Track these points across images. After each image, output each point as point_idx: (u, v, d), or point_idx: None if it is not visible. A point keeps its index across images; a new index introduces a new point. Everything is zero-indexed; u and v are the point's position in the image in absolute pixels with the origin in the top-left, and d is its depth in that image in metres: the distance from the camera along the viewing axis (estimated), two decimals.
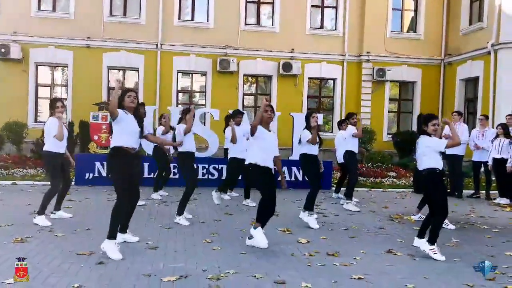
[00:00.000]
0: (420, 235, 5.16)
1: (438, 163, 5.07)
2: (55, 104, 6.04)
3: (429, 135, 5.10)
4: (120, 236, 4.98)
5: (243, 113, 8.60)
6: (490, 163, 9.43)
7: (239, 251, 4.82)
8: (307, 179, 7.31)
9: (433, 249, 4.85)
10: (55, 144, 6.01)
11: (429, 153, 5.05)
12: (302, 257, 4.71)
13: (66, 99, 16.01)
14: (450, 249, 5.25)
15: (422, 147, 5.10)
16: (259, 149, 5.14)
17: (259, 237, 5.01)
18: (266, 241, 4.97)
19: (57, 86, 16.52)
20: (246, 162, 5.23)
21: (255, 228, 5.08)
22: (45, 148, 6.10)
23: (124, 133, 4.67)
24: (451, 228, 6.45)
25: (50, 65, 16.13)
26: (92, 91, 15.15)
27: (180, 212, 6.21)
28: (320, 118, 11.80)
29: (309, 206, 6.53)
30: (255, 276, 3.99)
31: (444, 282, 4.05)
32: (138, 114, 4.95)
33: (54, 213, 6.28)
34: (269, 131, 5.30)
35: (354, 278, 4.02)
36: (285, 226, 6.14)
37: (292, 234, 5.81)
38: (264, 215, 5.12)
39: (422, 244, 5.03)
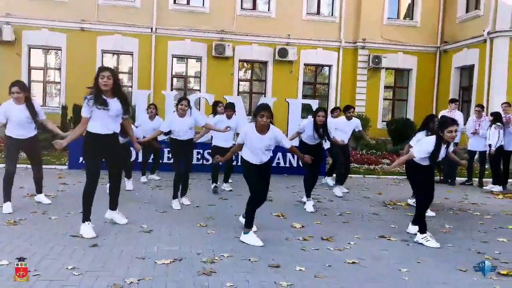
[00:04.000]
0: (414, 222, 5.20)
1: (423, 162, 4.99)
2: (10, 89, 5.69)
3: (440, 138, 4.85)
4: (109, 214, 5.14)
5: (234, 109, 7.95)
6: (493, 148, 9.35)
7: (233, 235, 4.83)
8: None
9: (425, 237, 4.86)
10: (8, 127, 5.77)
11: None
12: (296, 241, 4.72)
13: (59, 83, 15.90)
14: (443, 235, 5.30)
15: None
16: (247, 150, 4.87)
17: (252, 241, 4.57)
18: (261, 242, 4.53)
19: (50, 69, 16.35)
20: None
21: (245, 233, 4.66)
22: None
23: (94, 119, 4.63)
24: (431, 215, 6.30)
25: (43, 48, 15.91)
26: (86, 75, 14.84)
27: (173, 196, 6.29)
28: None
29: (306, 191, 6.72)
30: (249, 259, 4.00)
31: (437, 267, 4.09)
32: (120, 95, 4.76)
33: (36, 195, 6.19)
34: (265, 133, 4.74)
35: (348, 263, 4.05)
36: (279, 211, 6.15)
37: (286, 219, 5.82)
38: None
39: (415, 231, 5.11)
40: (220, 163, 6.26)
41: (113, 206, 5.17)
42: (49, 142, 11.94)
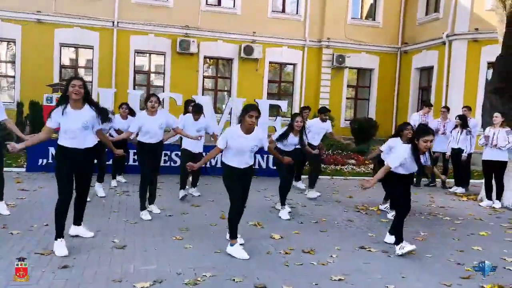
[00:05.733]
0: (392, 231, 5.19)
1: (399, 170, 4.95)
2: None
3: (415, 146, 4.81)
4: (74, 230, 4.80)
5: (202, 109, 7.58)
6: (448, 153, 9.70)
7: (212, 249, 4.62)
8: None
9: (401, 246, 4.81)
10: None
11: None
12: (278, 255, 4.59)
13: (13, 77, 15.01)
14: (420, 243, 5.29)
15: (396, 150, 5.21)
16: (231, 154, 4.68)
17: (238, 254, 4.46)
18: (246, 255, 4.43)
19: (2, 63, 15.42)
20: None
21: (231, 245, 4.55)
22: None
23: (63, 133, 4.36)
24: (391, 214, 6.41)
25: None
26: (43, 69, 14.26)
27: (140, 207, 5.92)
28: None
29: (281, 198, 6.56)
30: (233, 279, 3.81)
31: (422, 281, 4.07)
32: (92, 103, 4.51)
33: None
34: (250, 133, 4.63)
35: (335, 280, 3.94)
36: (255, 219, 6.00)
37: (264, 228, 5.68)
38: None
39: (392, 240, 5.10)
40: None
41: (78, 221, 4.84)
42: (4, 139, 11.31)
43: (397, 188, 5.06)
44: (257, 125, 4.65)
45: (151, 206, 6.20)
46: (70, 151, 4.34)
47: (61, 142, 4.37)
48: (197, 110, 7.34)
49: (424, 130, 4.84)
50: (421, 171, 5.21)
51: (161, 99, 10.50)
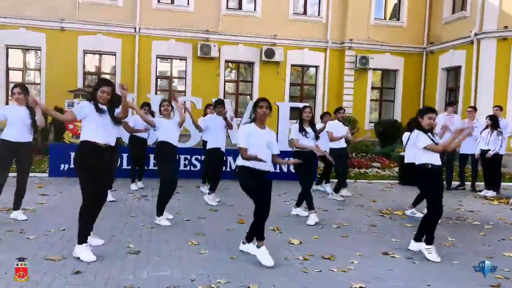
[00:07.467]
0: (417, 238, 4.95)
1: (430, 159, 4.83)
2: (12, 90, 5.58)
3: (423, 128, 4.85)
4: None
5: (224, 103, 7.72)
6: (477, 153, 9.32)
7: (228, 255, 4.48)
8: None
9: (429, 248, 4.69)
10: (5, 130, 5.44)
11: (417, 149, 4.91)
12: (296, 261, 4.41)
13: (39, 84, 15.32)
14: (446, 249, 5.06)
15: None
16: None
17: (263, 259, 4.27)
18: (272, 262, 4.22)
19: (29, 70, 15.77)
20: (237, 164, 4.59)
21: (258, 247, 4.36)
22: None
23: (92, 127, 4.28)
24: (420, 216, 6.18)
25: (22, 48, 15.33)
26: (67, 76, 14.51)
27: (159, 213, 5.74)
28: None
29: (307, 204, 6.36)
30: (248, 287, 3.66)
31: None
32: (113, 104, 4.46)
33: (11, 213, 5.66)
34: (264, 127, 4.55)
35: (355, 287, 3.76)
36: (274, 224, 5.83)
37: (282, 233, 5.51)
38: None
39: (419, 246, 4.86)
40: None
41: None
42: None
43: (430, 185, 4.93)
44: (270, 116, 4.54)
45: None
46: (100, 147, 4.25)
47: (90, 137, 4.25)
48: (219, 104, 7.46)
49: (428, 108, 5.04)
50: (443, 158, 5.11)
51: (180, 103, 10.48)
